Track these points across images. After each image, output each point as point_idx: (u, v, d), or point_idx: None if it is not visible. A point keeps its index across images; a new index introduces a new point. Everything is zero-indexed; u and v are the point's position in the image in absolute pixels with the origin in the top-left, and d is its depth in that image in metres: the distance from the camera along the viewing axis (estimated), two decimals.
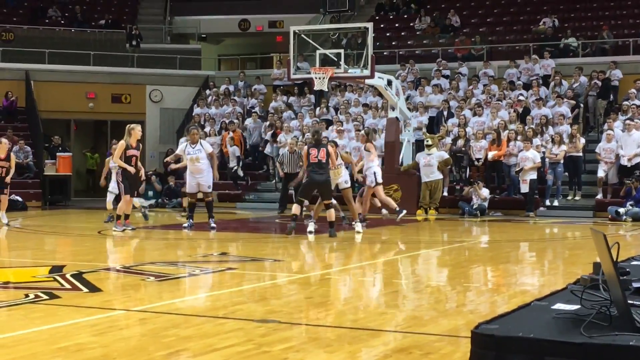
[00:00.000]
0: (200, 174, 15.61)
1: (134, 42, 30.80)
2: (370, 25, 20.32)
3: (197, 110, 27.17)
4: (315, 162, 14.51)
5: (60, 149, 26.08)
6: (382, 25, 30.63)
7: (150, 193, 24.18)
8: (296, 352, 5.76)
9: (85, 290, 8.42)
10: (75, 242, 14.58)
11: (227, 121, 25.71)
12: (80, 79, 28.85)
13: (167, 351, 5.74)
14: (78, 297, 8.05)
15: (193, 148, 15.58)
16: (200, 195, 16.22)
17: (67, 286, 8.69)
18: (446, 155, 20.67)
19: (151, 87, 29.19)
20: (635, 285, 4.77)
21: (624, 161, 20.08)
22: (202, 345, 5.89)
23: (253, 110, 26.32)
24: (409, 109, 22.60)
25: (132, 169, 14.76)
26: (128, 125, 14.91)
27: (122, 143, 14.73)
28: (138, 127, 14.95)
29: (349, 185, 16.13)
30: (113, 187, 16.70)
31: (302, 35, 19.95)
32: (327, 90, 23.00)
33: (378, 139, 21.24)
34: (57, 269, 9.85)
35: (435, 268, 11.53)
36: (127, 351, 5.77)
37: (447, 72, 26.16)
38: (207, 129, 25.23)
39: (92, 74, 29.10)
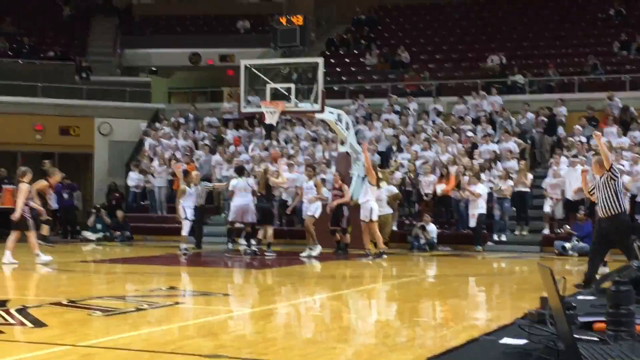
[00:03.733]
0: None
1: (83, 74, 30.60)
2: (320, 60, 20.46)
3: (148, 141, 26.94)
4: None
5: (6, 181, 25.68)
6: (332, 61, 30.85)
7: (99, 226, 23.93)
8: None
9: (30, 325, 8.27)
10: (20, 276, 14.32)
11: (178, 153, 25.55)
12: (28, 110, 28.51)
13: None
14: (23, 333, 7.91)
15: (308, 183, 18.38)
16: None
17: (12, 321, 8.53)
18: (396, 190, 20.78)
19: (100, 119, 28.97)
20: (581, 319, 4.85)
21: (570, 196, 20.32)
22: None
23: (203, 143, 26.24)
24: (358, 143, 22.73)
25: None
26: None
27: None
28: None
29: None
30: None
31: (253, 69, 19.99)
32: (275, 124, 23.05)
33: (329, 173, 21.38)
34: (0, 304, 9.66)
35: (384, 302, 11.55)
36: None
37: (397, 108, 26.38)
38: (155, 162, 25.08)
39: (40, 106, 28.78)
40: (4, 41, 32.23)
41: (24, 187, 15.55)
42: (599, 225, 11.89)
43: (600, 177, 11.67)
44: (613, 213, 11.45)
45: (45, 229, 19.34)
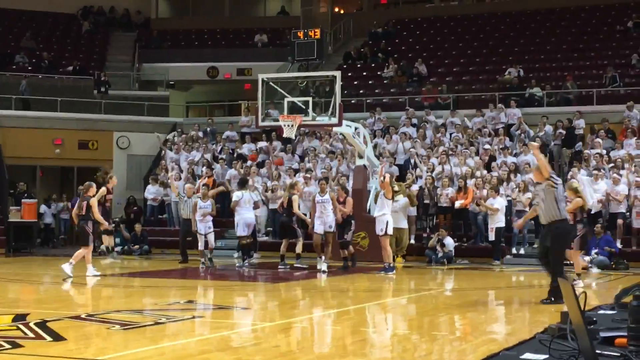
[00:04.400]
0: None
1: (102, 89, 30.77)
2: (338, 73, 20.46)
3: (169, 154, 26.96)
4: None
5: (25, 195, 25.84)
6: (349, 74, 30.89)
7: (118, 240, 23.99)
8: None
9: (49, 339, 8.30)
10: (39, 290, 14.39)
11: (198, 168, 25.57)
12: (48, 125, 28.70)
13: None
14: (42, 346, 7.93)
15: (322, 197, 17.98)
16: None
17: (31, 335, 8.56)
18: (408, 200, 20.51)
19: (118, 133, 29.10)
20: (602, 334, 4.81)
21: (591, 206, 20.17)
22: None
23: (220, 157, 26.28)
24: (377, 157, 22.72)
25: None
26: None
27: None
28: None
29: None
30: None
31: (271, 83, 20.05)
32: (294, 137, 23.10)
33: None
34: (20, 317, 9.70)
35: (402, 316, 11.50)
36: None
37: (415, 121, 26.36)
38: (172, 173, 25.14)
39: (59, 120, 28.96)
40: (23, 56, 32.48)
41: (94, 201, 16.22)
42: (541, 233, 11.98)
43: (541, 185, 11.77)
44: (552, 220, 11.56)
45: (106, 240, 19.60)
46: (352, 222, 18.62)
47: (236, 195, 19.03)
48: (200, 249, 18.71)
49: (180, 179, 23.93)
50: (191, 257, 19.54)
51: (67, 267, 15.49)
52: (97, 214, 16.18)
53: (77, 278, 15.18)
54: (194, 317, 10.40)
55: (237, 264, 19.00)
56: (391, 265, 17.33)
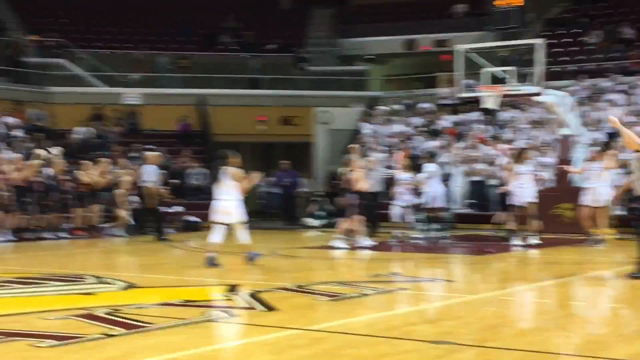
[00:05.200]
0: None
1: (302, 65, 31.39)
2: (540, 41, 19.91)
3: (365, 128, 27.30)
4: None
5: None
6: (551, 41, 29.95)
7: (321, 213, 24.53)
8: None
9: (262, 309, 8.61)
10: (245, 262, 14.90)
11: (396, 140, 25.72)
12: (251, 102, 29.69)
13: None
14: (255, 316, 8.24)
15: (523, 167, 17.03)
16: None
17: (244, 305, 8.92)
18: None
19: (319, 108, 29.62)
20: None
21: None
22: None
23: (420, 129, 26.27)
24: (581, 125, 21.98)
25: None
26: None
27: None
28: None
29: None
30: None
31: (470, 54, 19.80)
32: (495, 108, 22.71)
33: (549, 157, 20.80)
34: (234, 288, 10.11)
35: (613, 290, 11.09)
36: None
37: (622, 87, 25.26)
38: (373, 148, 25.39)
39: (262, 98, 29.90)
40: (228, 37, 33.66)
41: (357, 174, 16.30)
42: None
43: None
44: None
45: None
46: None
47: (427, 169, 19.02)
48: (396, 220, 18.64)
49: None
50: (385, 229, 19.45)
51: (338, 243, 15.87)
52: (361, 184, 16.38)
53: (286, 250, 15.63)
54: (398, 290, 10.49)
55: (431, 235, 18.76)
56: (599, 237, 16.72)
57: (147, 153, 20.89)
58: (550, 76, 23.48)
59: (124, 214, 20.72)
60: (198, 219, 23.14)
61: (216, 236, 13.01)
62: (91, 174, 20.81)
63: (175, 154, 26.77)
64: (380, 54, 35.68)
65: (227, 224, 13.08)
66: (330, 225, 23.73)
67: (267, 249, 15.15)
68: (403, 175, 18.80)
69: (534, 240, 16.87)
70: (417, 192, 18.92)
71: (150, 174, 19.83)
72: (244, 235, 13.22)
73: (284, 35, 34.77)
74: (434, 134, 25.77)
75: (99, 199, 20.72)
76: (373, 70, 34.74)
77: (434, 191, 18.72)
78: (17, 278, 11.66)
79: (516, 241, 16.64)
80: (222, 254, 13.13)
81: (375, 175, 19.33)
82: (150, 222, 20.45)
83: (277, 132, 29.89)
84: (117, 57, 31.45)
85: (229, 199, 12.95)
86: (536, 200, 17.33)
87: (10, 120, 25.42)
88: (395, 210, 18.63)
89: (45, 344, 6.63)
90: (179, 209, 23.64)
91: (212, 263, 12.87)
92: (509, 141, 23.01)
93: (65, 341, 6.75)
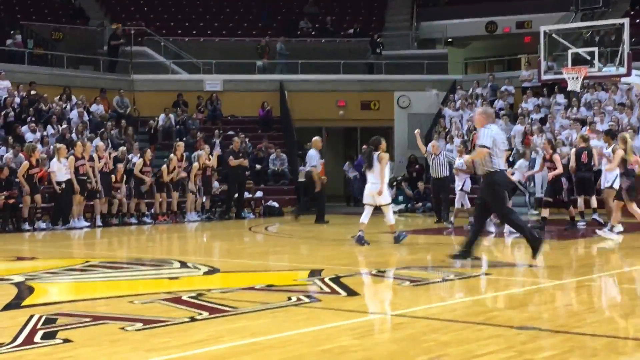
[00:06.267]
0: None
1: (380, 49, 31.27)
2: (625, 20, 19.46)
3: (447, 112, 27.12)
4: None
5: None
6: (638, 21, 29.19)
7: (401, 198, 24.47)
8: None
9: (344, 293, 8.63)
10: (330, 247, 14.98)
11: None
12: (331, 87, 29.74)
13: (428, 356, 5.77)
14: (337, 301, 8.27)
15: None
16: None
17: (326, 289, 8.96)
18: None
19: (399, 93, 29.48)
20: None
21: None
22: (461, 351, 5.87)
23: (502, 113, 25.93)
24: None
25: None
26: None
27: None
28: None
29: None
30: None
31: (553, 35, 19.46)
32: (579, 90, 22.27)
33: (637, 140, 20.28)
34: (315, 273, 10.17)
35: None
36: (388, 355, 5.86)
37: None
38: (453, 132, 25.18)
39: (341, 83, 29.92)
40: (307, 22, 33.73)
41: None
42: None
43: None
44: None
45: None
46: (563, 180, 17.26)
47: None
48: (456, 207, 18.44)
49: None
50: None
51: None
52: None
53: (368, 235, 15.63)
54: (482, 275, 10.40)
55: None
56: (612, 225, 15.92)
57: (314, 138, 20.69)
58: (637, 57, 22.91)
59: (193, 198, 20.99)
60: (276, 204, 23.34)
61: (364, 217, 13.92)
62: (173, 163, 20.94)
63: (256, 139, 27.00)
64: (460, 36, 35.33)
65: (374, 206, 13.95)
66: (411, 210, 23.66)
67: (350, 233, 15.16)
68: (457, 161, 18.39)
69: (618, 226, 16.44)
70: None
71: (313, 159, 19.99)
72: (390, 217, 14.14)
73: (362, 20, 34.70)
74: (515, 118, 25.39)
75: (179, 186, 21.04)
76: (453, 53, 34.40)
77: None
78: (104, 262, 11.93)
79: (601, 226, 16.28)
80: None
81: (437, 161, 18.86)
82: (312, 205, 20.74)
83: (357, 117, 29.88)
84: (198, 44, 31.83)
85: (376, 183, 13.73)
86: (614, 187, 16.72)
87: (97, 108, 25.97)
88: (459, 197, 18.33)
89: (132, 328, 6.77)
90: (259, 194, 23.84)
91: (361, 241, 13.77)
92: (590, 124, 22.47)
93: (152, 325, 6.88)
